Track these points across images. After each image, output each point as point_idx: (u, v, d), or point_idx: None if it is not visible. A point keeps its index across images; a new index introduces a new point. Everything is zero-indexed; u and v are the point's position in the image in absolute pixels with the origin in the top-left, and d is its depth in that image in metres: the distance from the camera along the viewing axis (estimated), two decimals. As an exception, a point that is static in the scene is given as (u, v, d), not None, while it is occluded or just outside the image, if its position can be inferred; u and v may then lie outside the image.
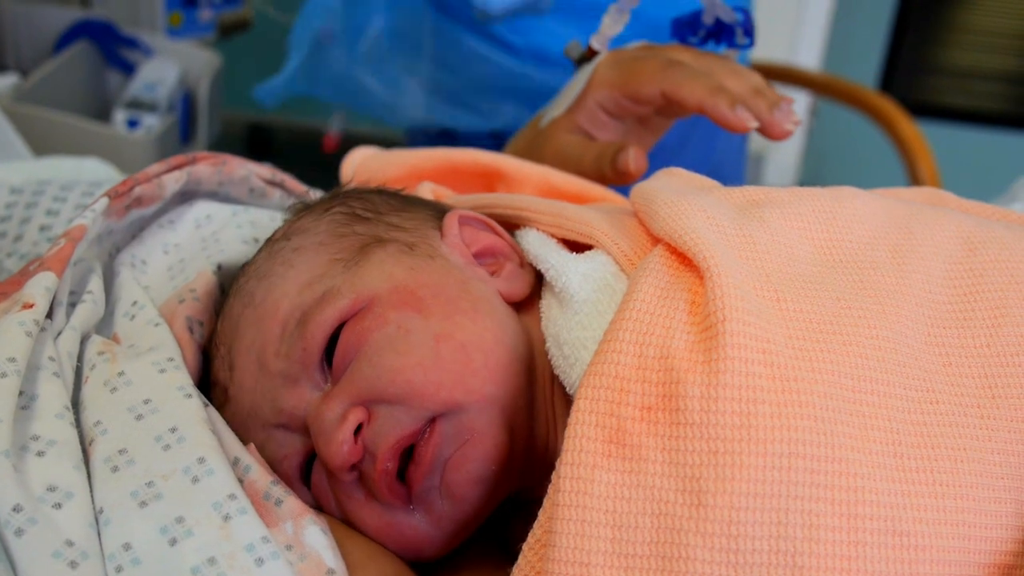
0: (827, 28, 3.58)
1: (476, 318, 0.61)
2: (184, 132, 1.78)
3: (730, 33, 0.93)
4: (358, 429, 0.57)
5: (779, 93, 0.85)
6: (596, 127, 0.92)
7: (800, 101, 3.57)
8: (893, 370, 0.53)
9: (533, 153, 0.95)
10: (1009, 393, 0.54)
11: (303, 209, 0.71)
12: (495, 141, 1.31)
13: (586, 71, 0.93)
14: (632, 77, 0.88)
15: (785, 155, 3.65)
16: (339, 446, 0.56)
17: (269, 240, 0.68)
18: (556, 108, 0.95)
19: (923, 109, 3.61)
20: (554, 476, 0.52)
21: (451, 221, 0.68)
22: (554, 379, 0.62)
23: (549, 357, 0.62)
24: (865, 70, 3.80)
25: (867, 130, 2.15)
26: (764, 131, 0.82)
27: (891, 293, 0.57)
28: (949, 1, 3.79)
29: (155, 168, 0.73)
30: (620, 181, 0.88)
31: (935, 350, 0.56)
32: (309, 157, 4.01)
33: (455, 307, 0.61)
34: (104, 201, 0.67)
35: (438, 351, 0.58)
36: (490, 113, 1.48)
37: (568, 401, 0.60)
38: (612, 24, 0.95)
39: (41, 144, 1.42)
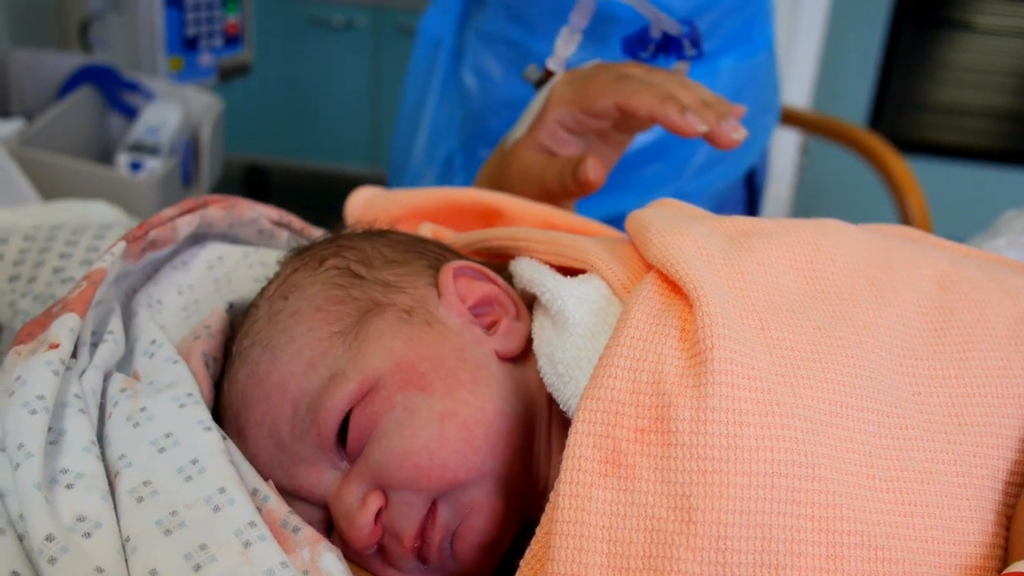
0: (816, 67, 3.63)
1: (476, 390, 0.63)
2: (186, 175, 1.80)
3: (678, 46, 0.97)
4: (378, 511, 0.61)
5: (729, 104, 0.89)
6: (557, 144, 0.96)
7: (791, 139, 3.61)
8: (867, 396, 0.57)
9: (501, 175, 0.99)
10: (974, 422, 0.59)
11: (298, 255, 0.72)
12: None
13: (544, 92, 0.97)
14: (587, 93, 0.92)
15: (778, 191, 3.69)
16: (360, 530, 0.60)
17: (266, 295, 0.70)
18: (518, 129, 0.99)
19: (912, 145, 3.65)
20: (552, 495, 0.55)
21: (446, 278, 0.69)
22: (551, 404, 0.65)
23: (542, 375, 0.64)
24: (854, 108, 3.83)
25: (857, 166, 2.18)
26: (711, 140, 0.86)
27: (868, 324, 0.61)
28: (936, 39, 3.83)
29: (168, 212, 0.76)
30: (582, 192, 0.92)
31: (906, 379, 0.60)
32: (304, 196, 4.05)
33: (455, 380, 0.63)
34: (122, 245, 0.70)
35: (443, 431, 0.61)
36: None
37: (563, 422, 0.63)
38: (565, 45, 0.99)
39: (47, 187, 1.44)
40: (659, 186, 1.57)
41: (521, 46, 1.58)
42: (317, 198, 4.09)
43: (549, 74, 0.99)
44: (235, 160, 3.85)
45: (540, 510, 0.56)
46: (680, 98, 0.86)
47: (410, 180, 1.80)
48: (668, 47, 0.98)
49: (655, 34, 0.97)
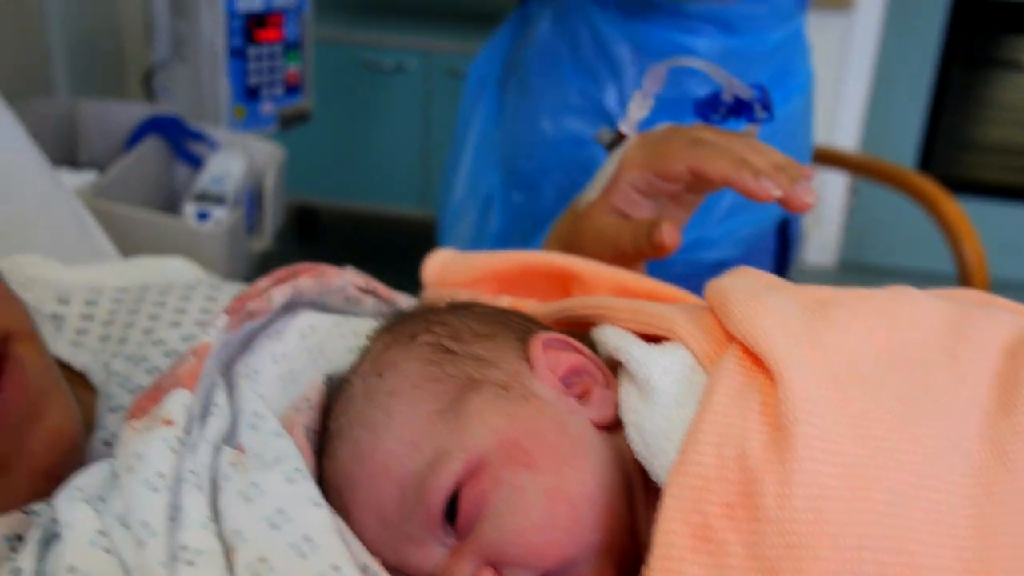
0: (865, 108, 3.63)
1: (579, 464, 0.64)
2: (250, 224, 1.83)
3: (749, 109, 0.98)
4: None
5: (800, 166, 0.90)
6: (630, 207, 0.97)
7: (840, 180, 3.61)
8: (949, 466, 0.58)
9: (574, 237, 1.01)
10: None
11: (388, 331, 0.74)
12: None
13: (617, 154, 0.99)
14: (660, 157, 0.93)
15: (826, 233, 3.69)
16: None
17: (360, 371, 0.72)
18: (591, 192, 1.01)
19: (963, 185, 3.63)
20: (645, 569, 0.56)
21: (536, 351, 0.71)
22: (643, 469, 0.65)
23: (630, 444, 0.65)
24: (904, 148, 3.83)
25: (908, 207, 2.17)
26: (784, 204, 0.87)
27: (946, 393, 0.62)
28: (986, 78, 3.83)
29: (263, 283, 0.78)
30: (656, 255, 0.93)
31: (988, 444, 0.60)
32: (355, 237, 4.09)
33: (558, 455, 0.64)
34: (224, 319, 0.72)
35: (552, 509, 0.62)
36: None
37: (650, 488, 0.64)
38: (638, 109, 1.01)
39: (119, 238, 1.47)
40: (683, 231, 1.57)
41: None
42: (368, 240, 4.14)
43: (621, 136, 1.01)
44: (287, 202, 3.90)
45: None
46: (753, 163, 0.87)
47: (451, 220, 1.81)
48: (739, 111, 0.99)
49: (727, 98, 0.99)
